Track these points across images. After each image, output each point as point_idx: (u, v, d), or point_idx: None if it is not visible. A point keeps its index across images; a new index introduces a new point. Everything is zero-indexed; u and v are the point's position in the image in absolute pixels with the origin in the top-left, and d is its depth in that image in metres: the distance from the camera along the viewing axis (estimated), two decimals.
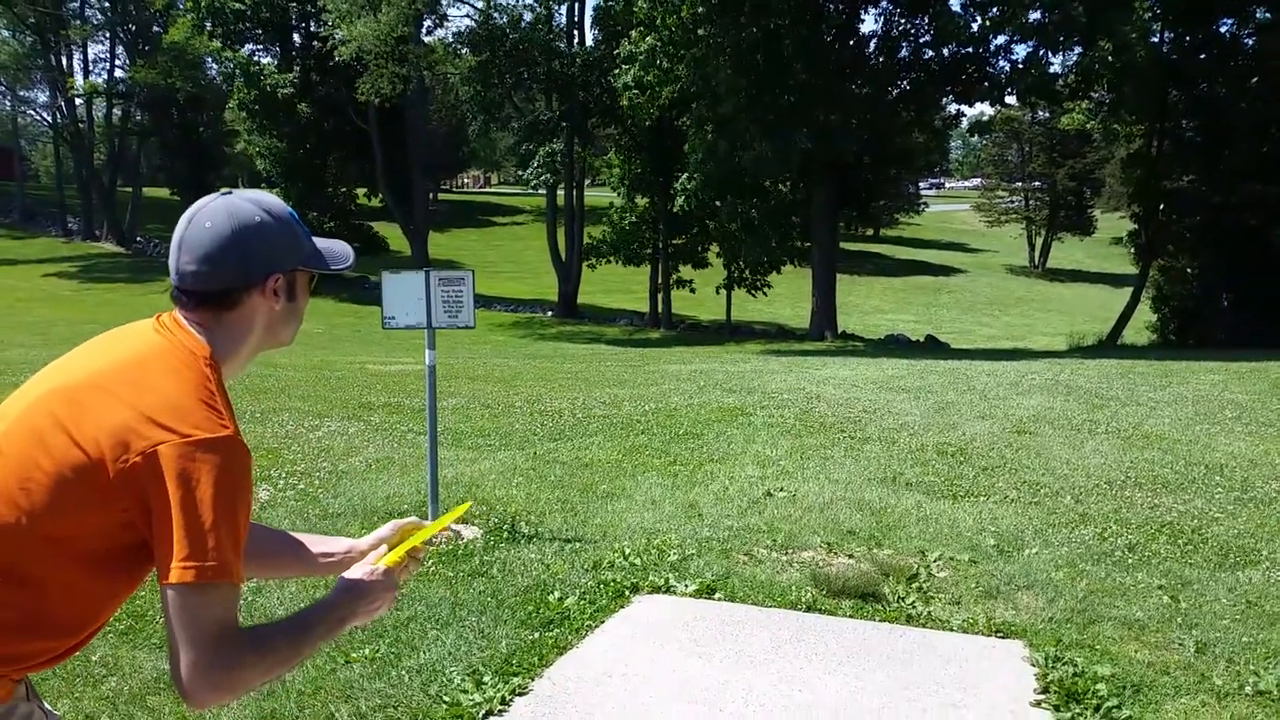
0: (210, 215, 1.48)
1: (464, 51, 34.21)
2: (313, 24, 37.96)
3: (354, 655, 3.65)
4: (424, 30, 35.93)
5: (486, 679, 3.46)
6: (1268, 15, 24.88)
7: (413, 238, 37.83)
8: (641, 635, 3.94)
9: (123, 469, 1.31)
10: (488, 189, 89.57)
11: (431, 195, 57.35)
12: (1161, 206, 27.30)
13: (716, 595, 4.38)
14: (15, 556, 1.33)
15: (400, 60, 31.11)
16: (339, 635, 1.54)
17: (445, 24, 62.45)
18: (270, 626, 1.44)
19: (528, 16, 32.67)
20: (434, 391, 5.19)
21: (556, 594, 4.29)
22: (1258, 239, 23.37)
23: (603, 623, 4.04)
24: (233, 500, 1.33)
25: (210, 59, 42.72)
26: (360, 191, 45.68)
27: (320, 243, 1.61)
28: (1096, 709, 3.28)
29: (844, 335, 26.89)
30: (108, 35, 49.27)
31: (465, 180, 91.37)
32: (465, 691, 3.38)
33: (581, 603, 4.21)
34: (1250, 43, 25.50)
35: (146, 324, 1.51)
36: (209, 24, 37.23)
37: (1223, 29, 25.91)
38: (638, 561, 4.74)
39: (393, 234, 42.24)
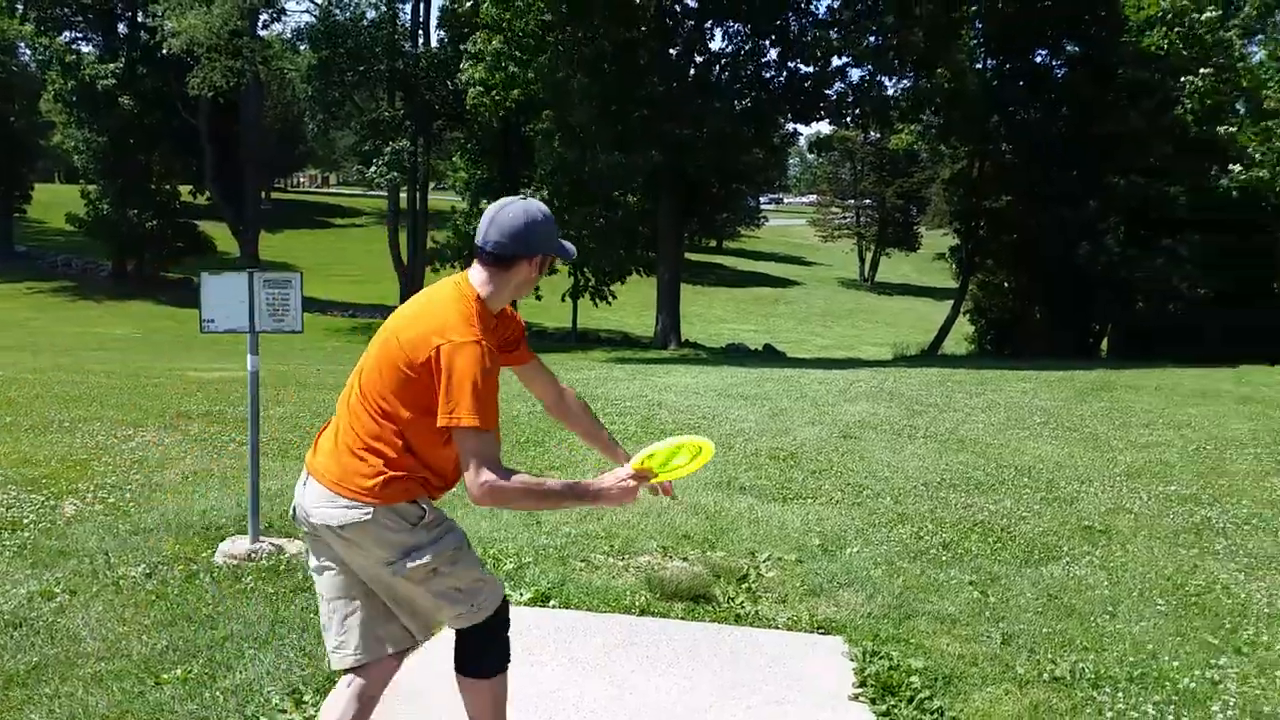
0: (515, 208, 2.44)
1: (303, 48, 33.05)
2: (140, 13, 35.80)
3: (164, 677, 3.45)
4: (260, 25, 34.54)
5: (307, 698, 3.33)
6: (1077, 49, 26.84)
7: (242, 237, 36.21)
8: None
9: (424, 362, 2.31)
10: (325, 189, 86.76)
11: (264, 194, 55.08)
12: (981, 225, 29.00)
13: (551, 603, 4.36)
14: (387, 406, 2.37)
15: (234, 54, 29.78)
16: (581, 506, 2.48)
17: (283, 19, 60.30)
18: (538, 477, 2.41)
19: (371, 14, 31.90)
20: (256, 399, 4.95)
21: None
22: (1068, 257, 25.13)
23: (433, 635, 3.94)
24: (476, 377, 2.26)
25: (23, 44, 39.71)
26: (185, 189, 43.23)
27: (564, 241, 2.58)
28: (910, 700, 3.43)
29: (688, 344, 27.31)
30: None
31: (301, 180, 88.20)
32: (284, 711, 3.25)
33: None
34: (1060, 74, 27.43)
35: (450, 279, 2.48)
36: (21, 6, 34.62)
37: (1037, 59, 27.80)
38: None
39: (221, 234, 39.87)
